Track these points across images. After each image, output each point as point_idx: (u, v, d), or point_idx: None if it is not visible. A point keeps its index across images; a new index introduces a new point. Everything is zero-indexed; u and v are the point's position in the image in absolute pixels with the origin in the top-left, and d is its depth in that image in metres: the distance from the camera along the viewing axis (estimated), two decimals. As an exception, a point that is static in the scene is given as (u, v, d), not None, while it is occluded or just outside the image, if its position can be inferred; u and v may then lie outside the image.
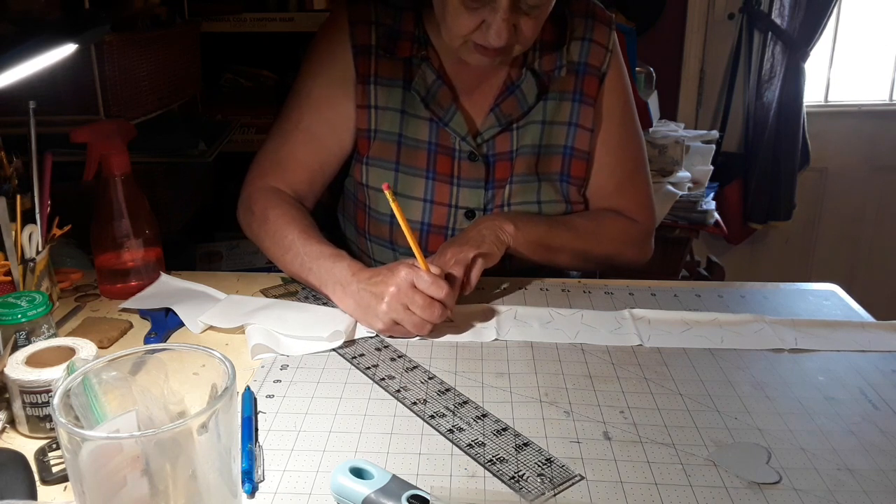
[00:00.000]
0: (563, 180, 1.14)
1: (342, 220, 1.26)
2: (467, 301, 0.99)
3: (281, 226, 1.03)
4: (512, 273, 1.11)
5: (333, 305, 1.00)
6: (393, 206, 0.92)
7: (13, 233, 0.91)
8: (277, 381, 0.83)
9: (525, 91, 1.10)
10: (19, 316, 0.78)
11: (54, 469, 0.67)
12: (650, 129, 2.22)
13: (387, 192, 0.92)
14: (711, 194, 2.32)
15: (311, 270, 0.99)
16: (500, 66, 1.10)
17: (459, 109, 1.10)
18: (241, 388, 0.80)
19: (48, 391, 0.70)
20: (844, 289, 1.09)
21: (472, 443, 0.71)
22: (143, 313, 0.98)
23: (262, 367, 0.86)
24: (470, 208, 1.11)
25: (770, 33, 2.57)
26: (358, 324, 0.94)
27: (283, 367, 0.85)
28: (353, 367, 0.86)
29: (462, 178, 1.11)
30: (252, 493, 0.65)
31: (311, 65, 1.14)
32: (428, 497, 0.61)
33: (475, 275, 0.98)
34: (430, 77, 1.09)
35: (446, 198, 1.11)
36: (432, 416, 0.76)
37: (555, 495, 0.65)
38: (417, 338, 0.92)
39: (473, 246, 0.99)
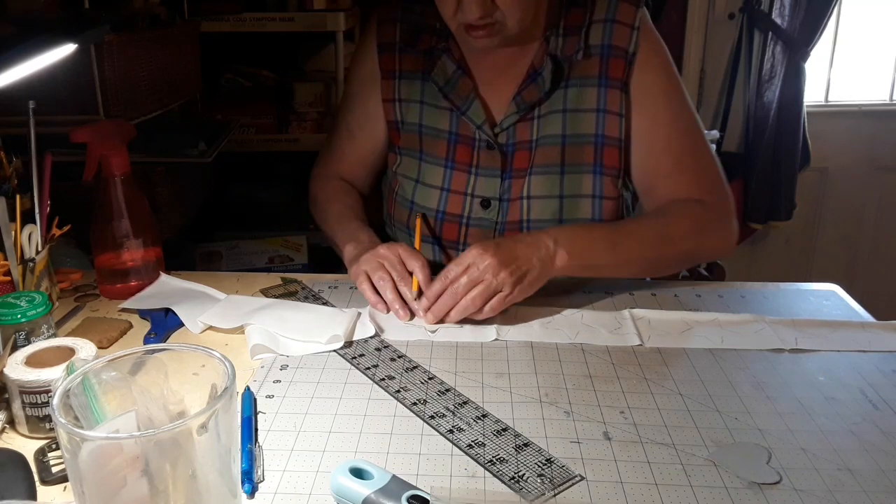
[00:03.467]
0: (597, 171, 1.09)
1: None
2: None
3: (327, 206, 1.20)
4: None
5: (333, 305, 1.00)
6: (417, 232, 1.08)
7: (13, 233, 0.91)
8: (277, 381, 0.83)
9: (546, 77, 1.07)
10: (19, 316, 0.78)
11: (54, 469, 0.67)
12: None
13: (419, 222, 1.11)
14: (712, 194, 2.32)
15: (336, 233, 1.13)
16: (514, 51, 1.09)
17: (478, 98, 1.10)
18: (240, 389, 0.80)
19: (48, 391, 0.70)
20: (845, 289, 1.09)
21: (472, 443, 0.71)
22: (143, 313, 0.98)
23: (262, 367, 0.86)
24: (486, 197, 1.11)
25: (770, 33, 2.57)
26: (357, 325, 0.94)
27: (283, 368, 0.85)
28: (352, 367, 0.86)
29: (480, 168, 1.11)
30: (252, 493, 0.64)
31: (350, 65, 1.25)
32: (428, 497, 0.61)
33: (493, 309, 0.93)
34: (451, 68, 1.11)
35: (463, 186, 1.12)
36: (432, 417, 0.76)
37: (555, 496, 0.65)
38: (417, 337, 0.92)
39: (512, 277, 0.92)
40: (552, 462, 0.69)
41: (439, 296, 0.93)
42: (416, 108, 1.14)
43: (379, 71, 1.16)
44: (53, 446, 0.69)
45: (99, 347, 0.83)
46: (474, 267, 0.92)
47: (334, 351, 0.89)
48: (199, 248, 1.89)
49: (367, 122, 1.20)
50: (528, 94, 1.08)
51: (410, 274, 0.98)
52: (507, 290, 0.92)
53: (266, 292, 1.05)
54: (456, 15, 1.00)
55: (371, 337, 0.92)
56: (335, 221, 1.15)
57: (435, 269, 1.10)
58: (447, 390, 0.81)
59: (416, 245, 1.11)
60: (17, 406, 0.72)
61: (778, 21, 2.55)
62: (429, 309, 0.94)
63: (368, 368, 0.85)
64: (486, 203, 1.12)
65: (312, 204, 1.25)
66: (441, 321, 0.94)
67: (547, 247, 0.96)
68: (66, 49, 0.95)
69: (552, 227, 1.02)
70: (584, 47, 1.07)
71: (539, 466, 0.68)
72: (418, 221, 1.13)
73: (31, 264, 0.93)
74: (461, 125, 1.12)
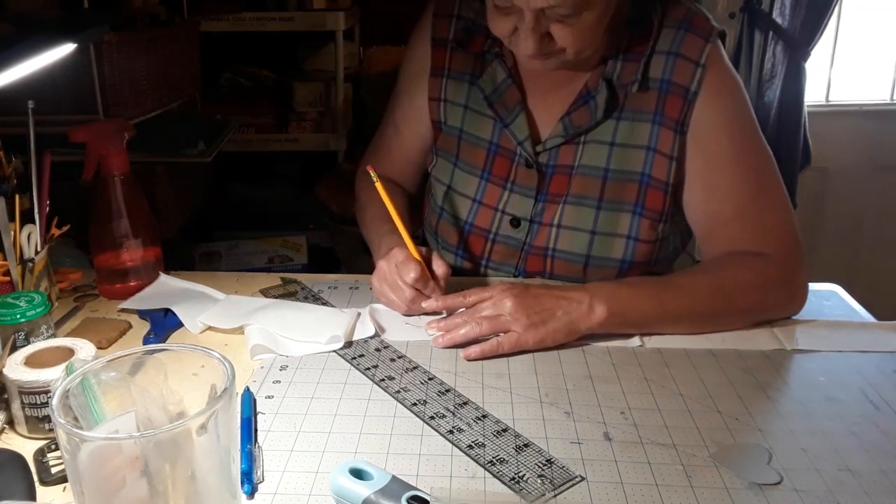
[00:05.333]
0: (637, 212, 1.02)
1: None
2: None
3: (366, 209, 1.16)
4: (518, 274, 1.11)
5: (333, 305, 1.00)
6: (377, 184, 0.99)
7: (12, 233, 0.91)
8: (277, 381, 0.82)
9: (599, 103, 1.00)
10: (18, 316, 0.78)
11: (53, 470, 0.66)
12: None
13: (371, 172, 1.00)
14: (712, 194, 2.32)
15: (372, 241, 1.10)
16: (572, 72, 1.02)
17: (524, 112, 1.05)
18: (240, 389, 0.80)
19: (47, 392, 0.70)
20: (845, 289, 1.09)
21: (473, 444, 0.71)
22: (143, 314, 0.98)
23: (262, 367, 0.86)
24: (517, 216, 1.07)
25: (771, 32, 2.57)
26: (356, 325, 0.94)
27: (283, 368, 0.85)
28: (352, 367, 0.86)
29: (516, 184, 1.07)
30: (251, 493, 0.64)
31: (403, 60, 1.19)
32: (428, 498, 0.61)
33: (500, 344, 0.87)
34: (501, 75, 1.06)
35: (495, 201, 1.08)
36: (432, 417, 0.76)
37: (555, 496, 0.64)
38: (417, 338, 0.92)
39: (527, 321, 0.88)
40: (552, 463, 0.69)
41: (449, 305, 0.94)
42: (460, 111, 1.10)
43: (429, 66, 1.11)
44: (53, 447, 0.69)
45: (98, 348, 0.83)
46: (496, 300, 0.90)
47: (334, 351, 0.89)
48: (198, 248, 1.90)
49: (413, 118, 1.16)
50: (577, 116, 1.02)
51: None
52: (518, 330, 0.88)
53: (266, 292, 1.05)
54: (510, 37, 0.94)
55: (371, 337, 0.92)
56: (371, 227, 1.12)
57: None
58: (447, 391, 0.81)
59: (391, 212, 0.99)
60: (16, 406, 0.72)
61: (778, 20, 2.55)
62: (439, 309, 0.95)
63: (368, 369, 0.85)
64: (515, 222, 1.07)
65: (355, 202, 1.23)
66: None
67: (580, 301, 0.89)
68: (66, 48, 0.94)
69: (592, 283, 0.94)
70: (640, 79, 0.99)
71: (539, 467, 0.68)
72: (379, 188, 0.99)
73: (30, 264, 0.93)
74: (503, 137, 1.07)
